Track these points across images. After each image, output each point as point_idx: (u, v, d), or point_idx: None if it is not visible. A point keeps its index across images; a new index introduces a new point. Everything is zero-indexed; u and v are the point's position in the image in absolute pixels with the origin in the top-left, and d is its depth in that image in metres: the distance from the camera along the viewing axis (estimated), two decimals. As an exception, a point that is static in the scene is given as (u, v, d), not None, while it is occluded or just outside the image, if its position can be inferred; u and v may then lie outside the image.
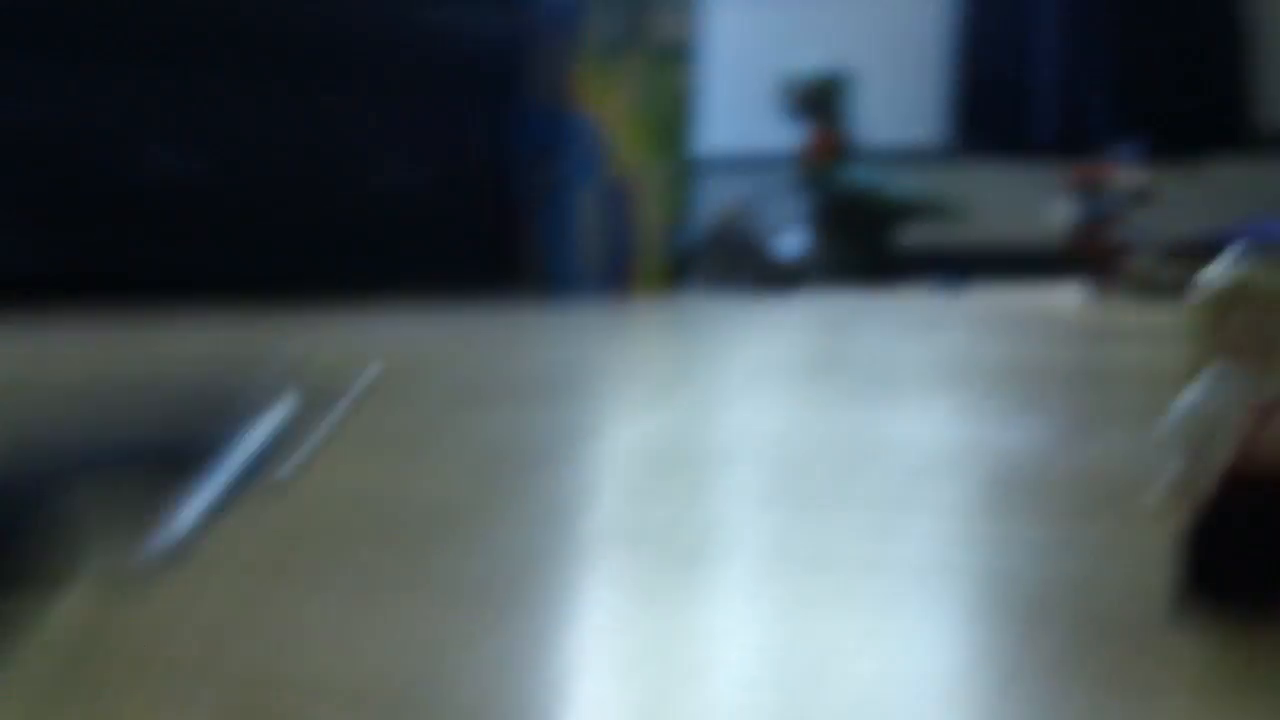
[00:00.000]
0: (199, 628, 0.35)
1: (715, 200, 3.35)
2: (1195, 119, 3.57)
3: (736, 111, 3.52)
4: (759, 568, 0.48)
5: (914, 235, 3.52)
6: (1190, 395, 0.36)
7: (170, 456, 0.23)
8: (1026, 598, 0.44)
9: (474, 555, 0.50)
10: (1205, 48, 3.66)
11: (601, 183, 3.07)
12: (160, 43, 2.39)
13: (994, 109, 3.73)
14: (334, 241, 2.52)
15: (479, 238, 2.96)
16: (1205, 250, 0.43)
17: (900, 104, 3.66)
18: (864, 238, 3.49)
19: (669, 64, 3.19)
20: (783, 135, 3.53)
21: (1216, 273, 0.37)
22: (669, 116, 3.21)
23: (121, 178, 2.35)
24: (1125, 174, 2.88)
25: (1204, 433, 0.36)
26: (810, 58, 3.47)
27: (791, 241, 3.34)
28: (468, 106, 2.90)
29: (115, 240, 2.32)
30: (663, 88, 3.18)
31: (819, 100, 3.44)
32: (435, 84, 2.82)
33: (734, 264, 3.32)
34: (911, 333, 2.11)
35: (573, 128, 3.03)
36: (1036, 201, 3.32)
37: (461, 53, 2.89)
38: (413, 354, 1.67)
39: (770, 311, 2.83)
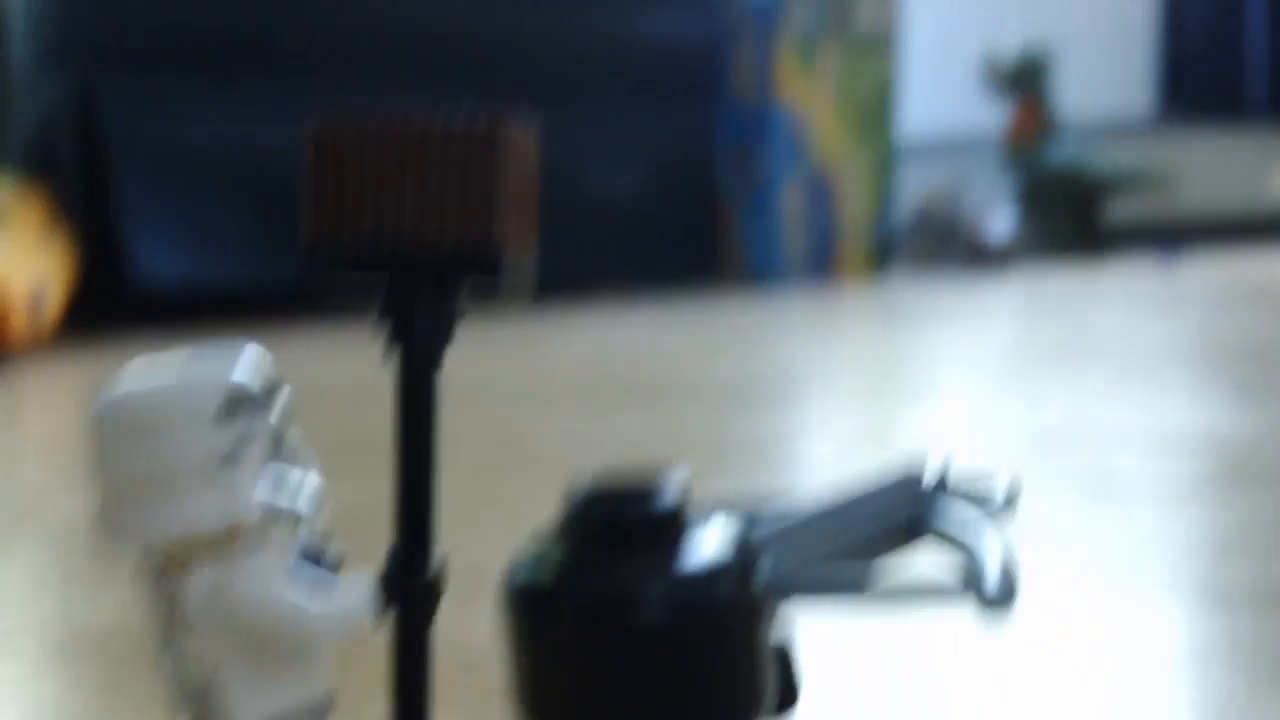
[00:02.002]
0: None
1: (920, 185, 3.29)
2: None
3: (939, 94, 3.44)
4: None
5: (1124, 210, 3.41)
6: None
7: None
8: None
9: None
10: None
11: (804, 174, 3.04)
12: (371, 57, 2.43)
13: (1203, 78, 3.57)
14: (548, 246, 2.51)
15: (685, 237, 2.96)
16: None
17: (1106, 77, 3.54)
18: (1073, 214, 3.39)
19: (870, 51, 3.13)
20: (987, 115, 3.44)
21: None
22: (871, 104, 3.15)
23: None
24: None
25: None
26: (1013, 35, 3.37)
27: (999, 222, 3.25)
28: (672, 108, 2.89)
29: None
30: (864, 75, 3.13)
31: (1023, 77, 3.34)
32: (639, 88, 2.82)
33: (941, 247, 3.25)
34: (1131, 311, 2.04)
35: (775, 122, 3.00)
36: (1249, 170, 3.18)
37: (663, 54, 2.88)
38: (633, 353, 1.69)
39: (984, 293, 2.77)
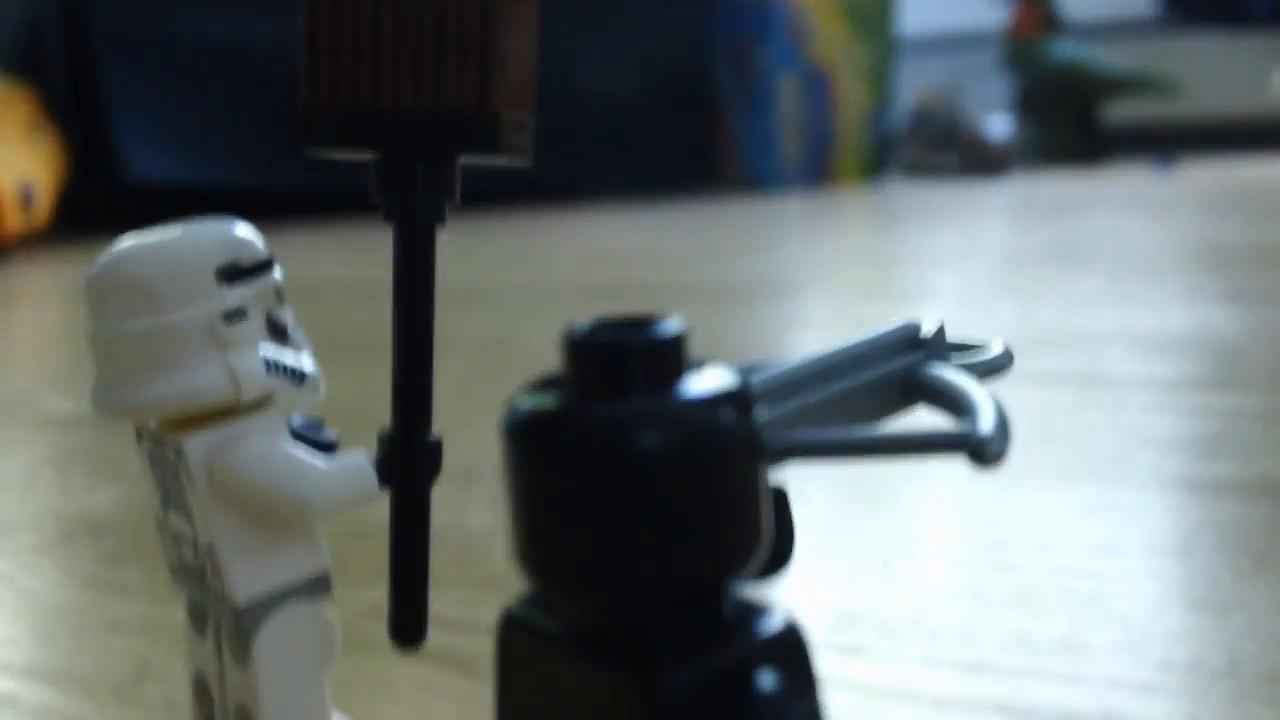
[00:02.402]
0: None
1: (919, 83, 3.26)
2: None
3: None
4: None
5: (1124, 112, 3.39)
6: None
7: None
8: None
9: None
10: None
11: (802, 72, 3.01)
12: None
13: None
14: (541, 149, 2.48)
15: (681, 139, 2.94)
16: None
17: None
18: (1072, 116, 3.37)
19: (870, -53, 3.09)
20: (988, 13, 3.41)
21: None
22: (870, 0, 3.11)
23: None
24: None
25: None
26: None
27: (998, 122, 3.23)
28: (668, 2, 2.86)
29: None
30: (864, -30, 3.09)
31: (1025, -24, 3.31)
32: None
33: (939, 148, 3.24)
34: (1128, 214, 2.03)
35: (773, 17, 2.97)
36: (1252, 74, 3.16)
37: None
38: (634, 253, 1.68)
39: (981, 196, 2.76)
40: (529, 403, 0.15)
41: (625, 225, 2.31)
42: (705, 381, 0.15)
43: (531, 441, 0.15)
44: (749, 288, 1.31)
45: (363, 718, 0.29)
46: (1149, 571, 0.39)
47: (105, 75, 2.18)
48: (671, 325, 0.15)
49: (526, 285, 1.43)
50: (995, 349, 0.19)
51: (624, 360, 0.14)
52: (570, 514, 0.14)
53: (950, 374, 0.18)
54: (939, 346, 0.19)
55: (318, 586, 0.26)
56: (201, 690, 0.27)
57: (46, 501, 0.54)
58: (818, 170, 3.06)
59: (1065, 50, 3.36)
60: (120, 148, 2.18)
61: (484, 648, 0.34)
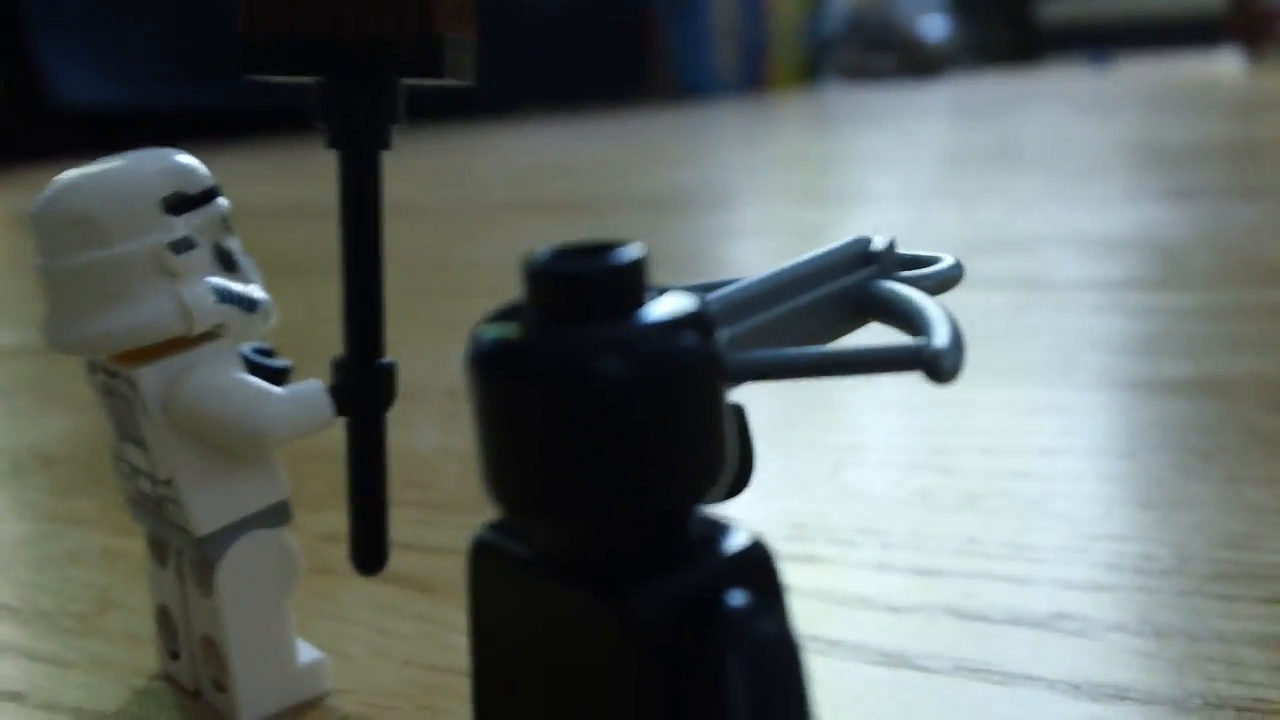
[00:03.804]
0: None
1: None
2: None
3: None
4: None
5: (1058, 11, 3.38)
6: None
7: None
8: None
9: None
10: None
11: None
12: None
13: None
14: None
15: (614, 50, 2.92)
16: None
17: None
18: (1007, 15, 3.36)
19: None
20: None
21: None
22: (802, -97, 3.09)
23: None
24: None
25: None
26: None
27: (933, 25, 3.23)
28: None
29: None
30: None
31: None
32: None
33: (875, 52, 3.23)
34: (1065, 113, 2.04)
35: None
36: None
37: None
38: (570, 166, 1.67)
39: (918, 98, 2.76)
40: (492, 332, 0.15)
41: (559, 138, 2.29)
42: (666, 306, 0.15)
43: (496, 371, 0.15)
44: (687, 197, 1.30)
45: (324, 640, 0.29)
46: (1095, 472, 0.39)
47: (27, -2, 2.13)
48: (631, 251, 0.15)
49: (462, 202, 1.42)
50: (946, 262, 0.20)
51: (585, 287, 0.15)
52: (536, 441, 0.14)
53: (902, 289, 0.18)
54: (890, 261, 0.19)
55: (278, 514, 0.26)
56: (165, 621, 0.28)
57: (-7, 436, 0.54)
58: (753, 76, 3.05)
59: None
60: (47, 71, 2.14)
61: (441, 567, 0.34)
